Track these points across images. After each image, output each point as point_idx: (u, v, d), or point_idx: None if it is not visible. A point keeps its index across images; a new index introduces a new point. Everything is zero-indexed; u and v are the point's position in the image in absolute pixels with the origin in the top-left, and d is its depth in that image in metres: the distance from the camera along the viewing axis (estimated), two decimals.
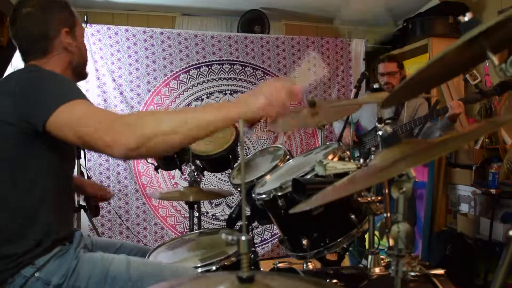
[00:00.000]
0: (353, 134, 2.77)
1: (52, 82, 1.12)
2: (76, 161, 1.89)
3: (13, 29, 1.25)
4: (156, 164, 2.23)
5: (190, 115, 1.01)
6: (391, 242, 0.81)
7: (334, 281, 1.24)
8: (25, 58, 1.27)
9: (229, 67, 3.73)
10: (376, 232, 1.21)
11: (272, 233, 3.75)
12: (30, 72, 1.18)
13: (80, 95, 1.09)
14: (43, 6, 1.25)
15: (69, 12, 1.30)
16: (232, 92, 3.74)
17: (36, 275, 1.11)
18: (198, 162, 2.07)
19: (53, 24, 1.25)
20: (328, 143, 1.65)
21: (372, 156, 1.26)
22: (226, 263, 1.39)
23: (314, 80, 1.17)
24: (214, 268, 1.37)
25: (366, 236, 1.31)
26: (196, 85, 3.66)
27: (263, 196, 1.38)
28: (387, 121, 1.16)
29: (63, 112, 1.03)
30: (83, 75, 1.40)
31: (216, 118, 0.99)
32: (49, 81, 1.12)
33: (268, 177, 1.59)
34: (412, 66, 3.67)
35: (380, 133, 1.18)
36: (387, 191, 1.13)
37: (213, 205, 3.68)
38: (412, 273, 1.02)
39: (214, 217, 3.68)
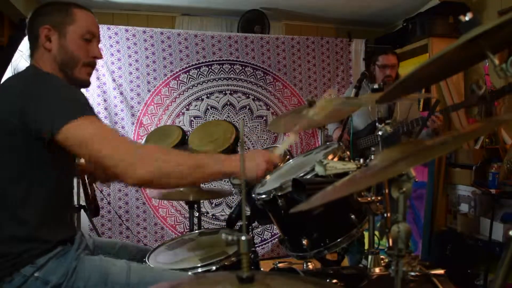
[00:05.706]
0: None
1: (60, 90, 1.13)
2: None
3: None
4: None
5: (201, 163, 1.14)
6: (391, 242, 0.81)
7: (334, 281, 1.24)
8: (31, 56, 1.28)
9: (229, 67, 3.73)
10: (376, 232, 1.21)
11: (272, 233, 3.75)
12: (36, 76, 1.18)
13: (89, 110, 1.11)
14: (41, 6, 1.25)
15: (63, 12, 1.23)
16: (232, 92, 3.74)
17: (35, 274, 1.11)
18: None
19: (36, 22, 1.22)
20: (328, 143, 1.65)
21: (372, 156, 1.26)
22: (226, 263, 1.39)
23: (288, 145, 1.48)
24: (214, 268, 1.37)
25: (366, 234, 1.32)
26: (196, 85, 3.66)
27: (263, 196, 1.38)
28: (387, 122, 1.17)
29: (74, 128, 1.05)
30: (75, 79, 1.26)
31: (219, 171, 1.15)
32: (58, 89, 1.13)
33: (268, 177, 1.59)
34: (412, 66, 3.67)
35: (380, 133, 1.19)
36: (387, 191, 1.13)
37: (213, 205, 3.68)
38: (412, 273, 1.02)
39: (214, 217, 3.68)
